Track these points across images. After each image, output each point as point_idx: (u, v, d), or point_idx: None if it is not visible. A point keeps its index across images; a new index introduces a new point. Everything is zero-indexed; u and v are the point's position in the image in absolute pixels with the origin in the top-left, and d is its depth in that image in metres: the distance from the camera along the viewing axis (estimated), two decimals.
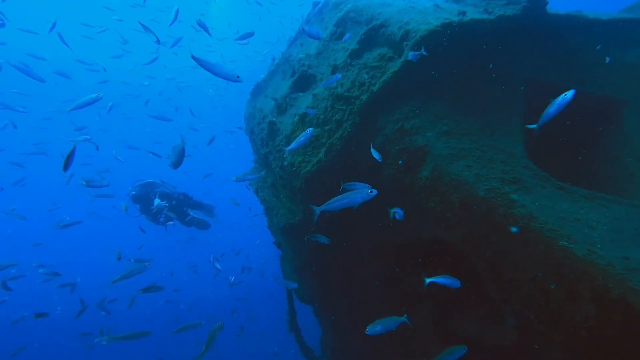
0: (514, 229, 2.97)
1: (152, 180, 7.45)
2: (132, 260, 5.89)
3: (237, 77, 2.71)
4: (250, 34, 6.32)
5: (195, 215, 7.33)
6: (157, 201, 6.75)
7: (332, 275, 5.33)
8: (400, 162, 3.88)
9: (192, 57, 2.81)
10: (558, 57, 4.32)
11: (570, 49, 4.33)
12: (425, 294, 5.15)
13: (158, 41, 5.93)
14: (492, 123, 3.90)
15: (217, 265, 6.46)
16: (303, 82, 5.35)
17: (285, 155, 4.71)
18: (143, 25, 5.50)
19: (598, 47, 4.37)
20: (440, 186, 3.59)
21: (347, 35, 4.34)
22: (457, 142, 3.70)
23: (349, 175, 4.36)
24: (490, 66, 4.03)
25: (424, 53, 3.57)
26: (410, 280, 5.13)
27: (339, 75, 4.11)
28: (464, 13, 3.90)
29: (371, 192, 2.96)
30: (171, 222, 7.01)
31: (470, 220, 3.38)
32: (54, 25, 6.60)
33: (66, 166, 3.03)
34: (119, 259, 4.94)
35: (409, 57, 3.59)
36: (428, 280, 3.38)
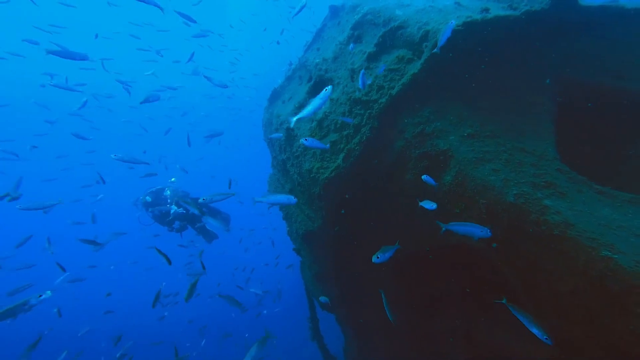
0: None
1: (164, 186, 7.29)
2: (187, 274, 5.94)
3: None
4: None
5: (206, 226, 7.18)
6: (173, 208, 6.66)
7: (353, 282, 5.22)
8: (421, 166, 3.74)
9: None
10: (591, 52, 4.05)
11: (606, 43, 4.05)
12: (454, 300, 4.95)
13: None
14: (520, 124, 3.69)
15: (257, 291, 6.31)
16: (320, 87, 5.31)
17: (291, 127, 4.70)
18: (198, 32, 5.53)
19: None
20: (465, 192, 3.43)
21: (350, 46, 4.28)
22: (482, 145, 3.52)
23: (368, 182, 4.27)
24: (512, 65, 3.84)
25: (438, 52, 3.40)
26: (437, 287, 4.94)
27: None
28: (486, 10, 3.73)
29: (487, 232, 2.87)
30: (185, 230, 6.93)
31: (499, 227, 3.20)
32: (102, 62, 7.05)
33: None
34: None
35: (436, 51, 3.39)
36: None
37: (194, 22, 5.47)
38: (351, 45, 4.53)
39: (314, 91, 5.35)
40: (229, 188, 6.91)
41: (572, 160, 3.41)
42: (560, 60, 3.97)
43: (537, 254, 2.94)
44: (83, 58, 3.23)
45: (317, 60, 5.49)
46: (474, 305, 4.47)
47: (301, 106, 5.30)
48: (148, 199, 6.86)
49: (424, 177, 3.49)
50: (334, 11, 6.28)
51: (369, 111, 4.03)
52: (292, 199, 3.50)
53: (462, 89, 3.81)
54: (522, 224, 2.99)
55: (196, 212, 6.14)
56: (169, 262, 4.02)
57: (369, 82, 3.94)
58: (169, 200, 6.86)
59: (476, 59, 3.83)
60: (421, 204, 3.44)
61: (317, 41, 6.55)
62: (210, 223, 7.15)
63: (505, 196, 3.10)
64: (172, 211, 6.60)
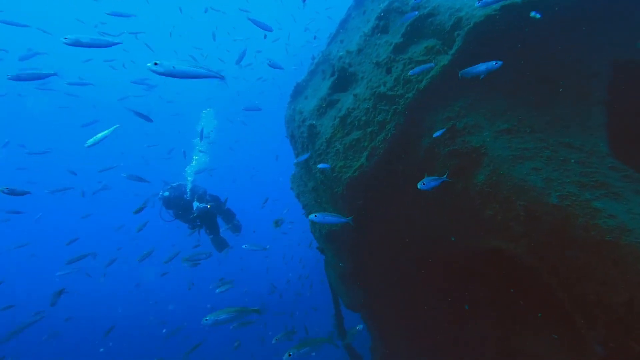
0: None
1: (184, 182, 6.98)
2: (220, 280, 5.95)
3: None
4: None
5: (220, 235, 6.82)
6: (196, 204, 6.32)
7: (380, 283, 5.08)
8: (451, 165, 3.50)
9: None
10: None
11: None
12: (488, 307, 4.67)
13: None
14: (565, 117, 3.33)
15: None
16: (343, 81, 5.14)
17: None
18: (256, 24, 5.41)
19: None
20: (500, 192, 3.16)
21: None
22: (521, 141, 3.22)
23: (393, 182, 4.08)
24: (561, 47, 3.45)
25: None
26: (469, 291, 4.68)
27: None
28: None
29: None
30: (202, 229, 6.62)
31: (540, 232, 2.92)
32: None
33: None
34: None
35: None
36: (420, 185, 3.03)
37: (270, 30, 5.35)
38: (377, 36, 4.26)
39: (337, 86, 5.18)
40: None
41: (629, 156, 3.03)
42: (620, 40, 3.52)
43: (585, 261, 2.64)
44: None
45: (341, 54, 5.31)
46: (509, 312, 4.18)
47: (321, 99, 5.16)
48: (166, 194, 6.57)
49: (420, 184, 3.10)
50: (359, 0, 6.04)
51: (394, 107, 3.82)
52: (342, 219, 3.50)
53: (498, 79, 3.49)
54: (567, 229, 2.70)
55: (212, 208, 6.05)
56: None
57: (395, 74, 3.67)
58: (187, 196, 6.63)
59: (515, 46, 3.49)
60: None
61: (340, 32, 6.35)
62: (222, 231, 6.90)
63: (548, 197, 2.81)
64: (194, 207, 6.36)
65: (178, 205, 6.65)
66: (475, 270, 4.36)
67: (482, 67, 2.90)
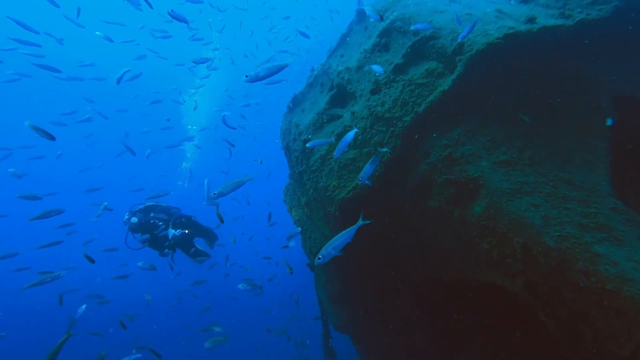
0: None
1: (153, 204, 6.18)
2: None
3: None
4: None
5: (199, 247, 6.20)
6: (171, 232, 5.69)
7: (368, 306, 4.92)
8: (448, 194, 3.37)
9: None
10: None
11: None
12: (478, 331, 4.53)
13: None
14: (566, 150, 3.23)
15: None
16: (341, 97, 5.03)
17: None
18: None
19: None
20: (497, 226, 3.03)
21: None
22: (520, 174, 3.10)
23: (388, 204, 3.95)
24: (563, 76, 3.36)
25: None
26: (463, 321, 4.54)
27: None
28: (533, 20, 3.29)
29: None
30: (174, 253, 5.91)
31: (537, 271, 2.79)
32: None
33: None
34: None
35: None
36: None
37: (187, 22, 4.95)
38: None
39: (335, 102, 5.07)
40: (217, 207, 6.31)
41: (630, 197, 2.92)
42: (623, 75, 3.44)
43: (585, 307, 2.51)
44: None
45: (340, 69, 5.21)
46: (504, 345, 4.04)
47: (318, 114, 5.04)
48: (134, 219, 5.78)
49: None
50: (361, 15, 5.96)
51: (391, 129, 3.70)
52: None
53: (499, 108, 3.39)
54: (566, 272, 2.57)
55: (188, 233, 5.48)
56: None
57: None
58: (160, 223, 5.87)
59: (517, 74, 3.40)
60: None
61: (341, 46, 6.26)
62: (199, 243, 6.30)
63: (546, 237, 2.69)
64: (170, 235, 5.72)
65: (149, 231, 5.90)
66: (469, 300, 4.22)
67: None
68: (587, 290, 2.42)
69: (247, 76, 2.79)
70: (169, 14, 3.71)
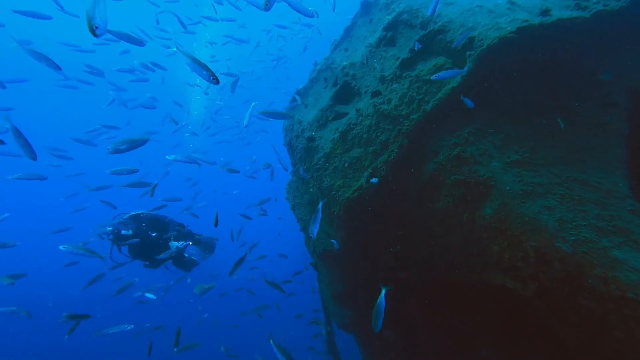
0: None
1: (140, 212, 5.69)
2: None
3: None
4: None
5: (191, 257, 5.79)
6: (174, 244, 5.30)
7: (372, 307, 4.85)
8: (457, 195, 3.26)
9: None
10: None
11: None
12: (485, 333, 4.46)
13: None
14: (581, 149, 3.10)
15: None
16: (346, 93, 4.90)
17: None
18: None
19: None
20: (508, 229, 2.93)
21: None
22: (532, 174, 2.98)
23: (394, 205, 3.84)
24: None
25: None
26: (471, 323, 4.46)
27: None
28: (547, 12, 3.13)
29: None
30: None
31: (551, 276, 2.69)
32: None
33: None
34: None
35: None
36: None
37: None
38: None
39: (339, 97, 4.94)
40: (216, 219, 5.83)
41: None
42: (638, 70, 3.29)
43: (604, 315, 2.41)
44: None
45: (344, 63, 5.06)
46: (512, 350, 3.96)
47: (322, 110, 4.91)
48: (127, 232, 5.27)
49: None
50: (366, 7, 5.79)
51: (398, 127, 3.58)
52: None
53: (511, 105, 3.26)
54: (582, 278, 2.47)
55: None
56: None
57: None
58: (154, 234, 5.40)
59: (531, 69, 3.26)
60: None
61: (345, 40, 6.10)
62: (192, 253, 5.87)
63: (561, 242, 2.58)
64: (173, 247, 5.29)
65: (143, 243, 5.42)
66: (476, 302, 4.13)
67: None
68: (606, 297, 2.32)
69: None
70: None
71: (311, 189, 4.82)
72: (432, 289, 4.37)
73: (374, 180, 3.26)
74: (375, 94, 3.93)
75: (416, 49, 3.55)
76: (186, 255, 5.76)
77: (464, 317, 4.43)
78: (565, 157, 3.06)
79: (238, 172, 5.38)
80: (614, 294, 2.28)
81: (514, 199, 2.90)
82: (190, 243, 5.64)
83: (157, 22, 9.01)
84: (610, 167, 2.96)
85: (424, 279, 4.28)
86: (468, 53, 3.20)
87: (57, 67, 2.95)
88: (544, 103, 3.26)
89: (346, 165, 4.11)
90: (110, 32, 2.67)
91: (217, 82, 2.41)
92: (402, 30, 4.25)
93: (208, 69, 2.39)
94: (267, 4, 2.40)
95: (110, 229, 5.38)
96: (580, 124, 3.21)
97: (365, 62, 4.51)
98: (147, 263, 5.56)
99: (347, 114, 4.52)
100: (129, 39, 2.94)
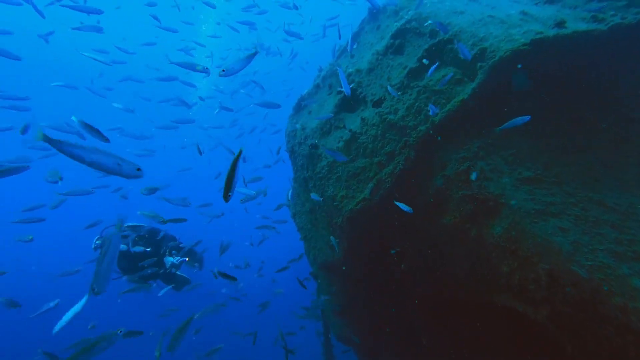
0: None
1: (134, 223, 5.38)
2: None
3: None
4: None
5: (182, 274, 5.47)
6: (169, 260, 5.01)
7: (373, 322, 4.70)
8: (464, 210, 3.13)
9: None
10: None
11: None
12: (491, 354, 4.30)
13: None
14: (597, 167, 2.96)
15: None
16: (351, 101, 4.79)
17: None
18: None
19: None
20: (519, 249, 2.79)
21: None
22: (545, 193, 2.85)
23: (399, 218, 3.71)
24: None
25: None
26: (471, 337, 4.30)
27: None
28: (562, 24, 3.01)
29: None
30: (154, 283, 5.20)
31: (565, 302, 2.54)
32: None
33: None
34: None
35: None
36: None
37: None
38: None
39: (344, 105, 4.83)
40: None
41: None
42: None
43: (621, 345, 2.26)
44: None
45: (350, 70, 4.96)
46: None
47: (328, 120, 4.81)
48: (124, 247, 4.99)
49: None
50: (374, 14, 5.70)
51: (404, 138, 3.46)
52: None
53: None
54: (599, 306, 2.32)
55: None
56: None
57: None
58: (148, 249, 5.15)
59: (544, 82, 3.13)
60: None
61: (352, 46, 6.00)
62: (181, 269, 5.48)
63: (576, 266, 2.44)
64: (168, 264, 4.99)
65: (136, 257, 5.15)
66: (483, 321, 3.98)
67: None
68: (626, 329, 2.18)
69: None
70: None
71: (312, 197, 4.70)
72: (436, 307, 4.22)
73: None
74: (379, 102, 3.82)
75: (425, 62, 3.45)
76: (178, 272, 5.47)
77: (468, 336, 4.27)
78: (580, 175, 2.92)
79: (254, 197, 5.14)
80: (634, 325, 2.13)
81: (525, 218, 2.76)
82: (187, 259, 5.36)
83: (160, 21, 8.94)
84: (628, 186, 2.82)
85: (428, 296, 4.14)
86: (479, 64, 3.09)
87: (106, 140, 2.80)
88: (558, 118, 3.13)
89: (350, 175, 4.00)
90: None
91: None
92: (410, 38, 4.14)
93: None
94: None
95: (99, 242, 5.11)
96: (597, 140, 3.07)
97: (372, 69, 4.40)
98: (133, 278, 5.18)
99: (352, 122, 4.41)
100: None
